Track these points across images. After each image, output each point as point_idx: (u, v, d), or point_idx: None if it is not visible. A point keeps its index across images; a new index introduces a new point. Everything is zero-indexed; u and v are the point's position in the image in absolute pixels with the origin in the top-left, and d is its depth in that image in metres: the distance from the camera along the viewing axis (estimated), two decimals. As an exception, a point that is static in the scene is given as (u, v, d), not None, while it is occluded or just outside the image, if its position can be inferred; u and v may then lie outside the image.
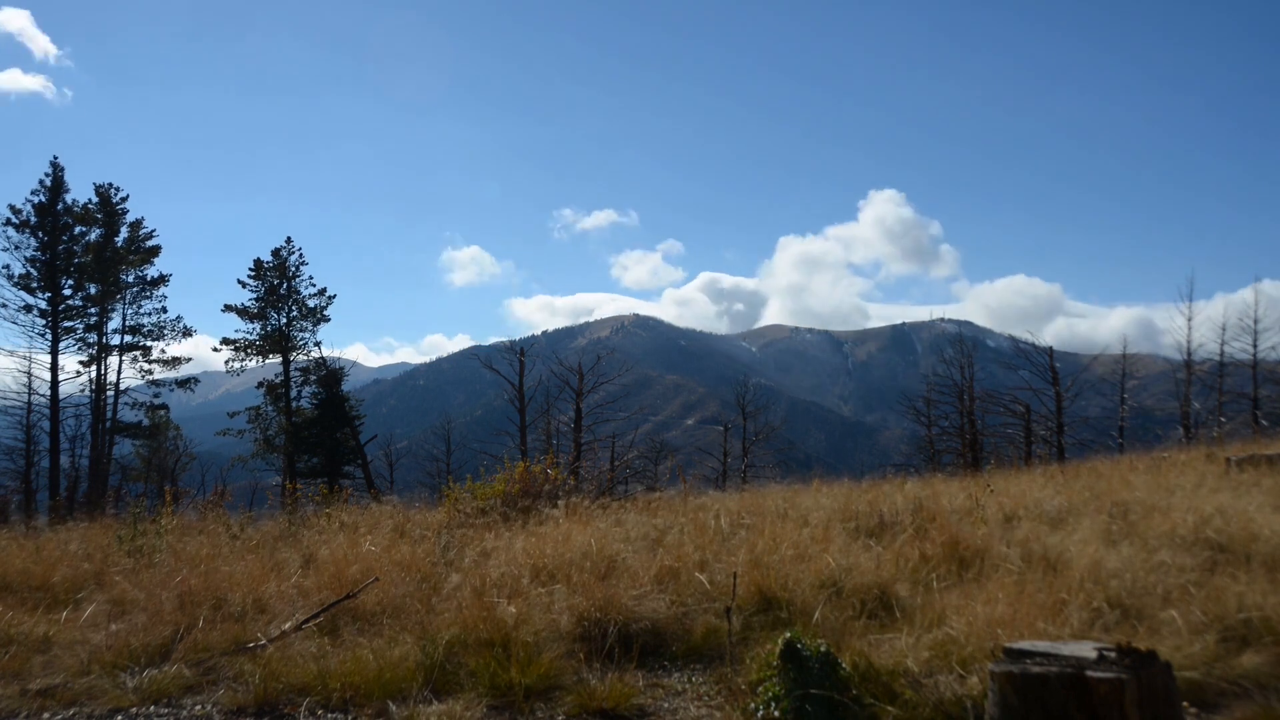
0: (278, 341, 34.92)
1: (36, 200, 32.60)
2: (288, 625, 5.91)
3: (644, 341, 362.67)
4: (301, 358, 35.18)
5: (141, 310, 34.96)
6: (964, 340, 31.50)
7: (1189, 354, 27.79)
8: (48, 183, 32.93)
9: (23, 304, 32.17)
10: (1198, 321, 27.41)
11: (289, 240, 35.55)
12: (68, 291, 33.04)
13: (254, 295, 35.22)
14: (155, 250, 34.99)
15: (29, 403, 31.67)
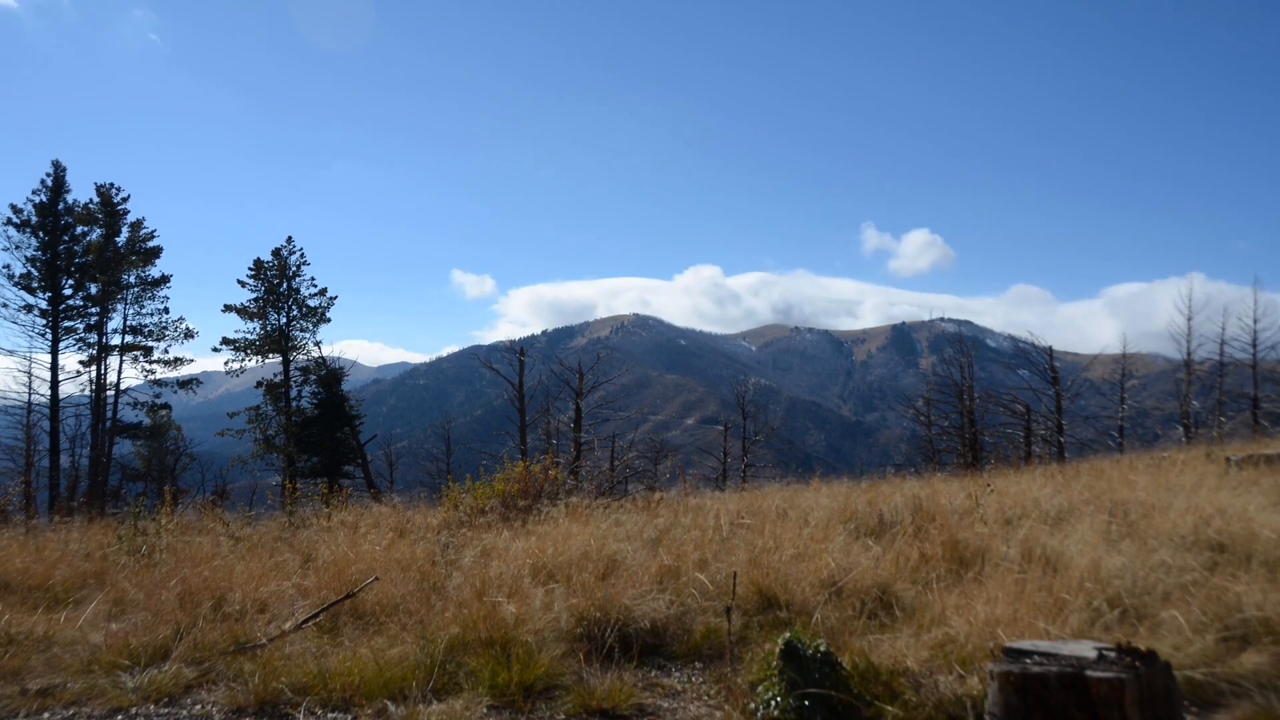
0: (278, 341, 34.93)
1: (38, 200, 32.63)
2: (288, 625, 5.91)
3: (644, 341, 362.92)
4: (301, 357, 35.22)
5: (143, 310, 35.04)
6: (964, 340, 31.57)
7: (1189, 354, 27.82)
8: (49, 182, 32.95)
9: (23, 304, 32.24)
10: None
11: (289, 240, 35.60)
12: (68, 291, 33.08)
13: (254, 295, 35.25)
14: (156, 251, 35.05)
15: (29, 402, 31.70)
